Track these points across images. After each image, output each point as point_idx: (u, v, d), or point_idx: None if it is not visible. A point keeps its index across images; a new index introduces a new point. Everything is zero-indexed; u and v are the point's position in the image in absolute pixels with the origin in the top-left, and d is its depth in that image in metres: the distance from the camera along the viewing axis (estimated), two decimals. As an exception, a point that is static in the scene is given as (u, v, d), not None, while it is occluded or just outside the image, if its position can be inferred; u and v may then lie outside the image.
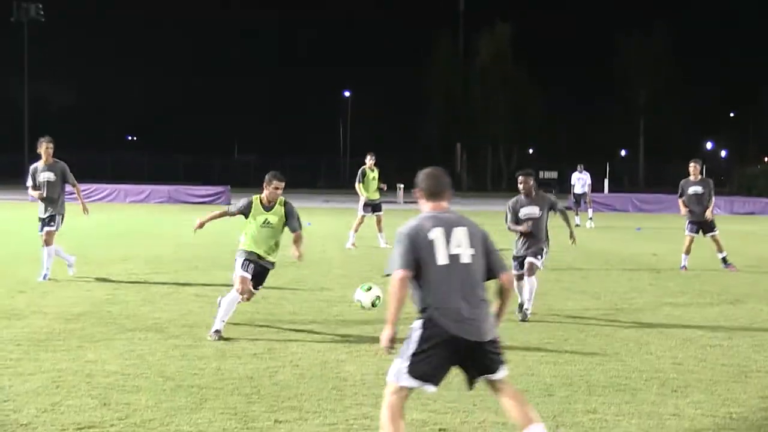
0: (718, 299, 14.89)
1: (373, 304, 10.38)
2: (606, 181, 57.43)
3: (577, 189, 35.34)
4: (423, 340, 6.09)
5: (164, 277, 16.55)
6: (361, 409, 7.89)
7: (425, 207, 6.49)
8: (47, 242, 15.79)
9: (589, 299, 14.75)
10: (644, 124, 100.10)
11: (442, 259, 6.16)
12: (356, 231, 23.14)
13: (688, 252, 19.20)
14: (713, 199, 19.44)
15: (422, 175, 6.56)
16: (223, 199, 48.46)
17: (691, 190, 19.34)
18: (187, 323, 11.80)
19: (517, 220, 12.96)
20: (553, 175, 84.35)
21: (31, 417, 7.39)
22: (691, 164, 19.40)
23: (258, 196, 11.57)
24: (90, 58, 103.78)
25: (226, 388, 8.51)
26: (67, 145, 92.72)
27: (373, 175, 23.41)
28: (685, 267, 18.96)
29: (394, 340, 6.23)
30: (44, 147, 16.02)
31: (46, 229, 15.83)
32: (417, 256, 6.15)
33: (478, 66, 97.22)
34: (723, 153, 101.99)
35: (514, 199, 13.12)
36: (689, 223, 19.28)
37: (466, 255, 6.22)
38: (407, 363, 6.12)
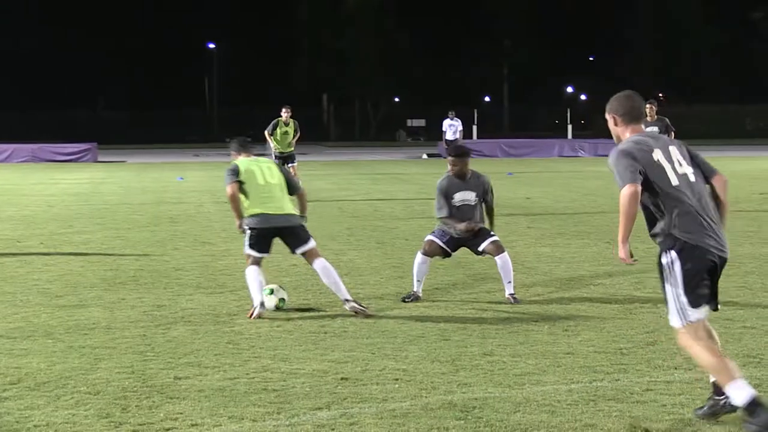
0: (594, 240, 15.28)
1: (278, 307, 9.88)
2: (474, 128, 58.10)
3: (449, 135, 35.77)
4: (686, 269, 5.81)
5: (39, 237, 16.13)
6: (260, 361, 7.84)
7: (625, 133, 6.12)
8: None
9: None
10: (507, 70, 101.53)
11: (674, 180, 5.88)
12: None
13: None
14: (672, 134, 19.78)
15: (619, 99, 6.16)
16: (89, 156, 47.33)
17: (648, 129, 19.71)
18: (69, 283, 11.54)
19: (450, 209, 10.64)
20: (421, 123, 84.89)
21: None
22: (647, 105, 19.79)
23: None
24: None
25: (120, 347, 8.36)
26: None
27: (287, 129, 23.31)
28: None
29: (632, 254, 5.98)
30: None
31: None
32: (645, 175, 5.85)
33: (346, 13, 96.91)
34: (583, 97, 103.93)
35: (445, 180, 10.81)
36: None
37: (690, 173, 5.96)
38: (686, 298, 5.86)
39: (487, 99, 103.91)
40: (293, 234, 10.09)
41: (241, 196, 10.05)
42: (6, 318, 9.57)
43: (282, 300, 9.99)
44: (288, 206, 10.16)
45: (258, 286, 9.78)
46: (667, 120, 20.04)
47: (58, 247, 14.91)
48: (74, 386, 7.13)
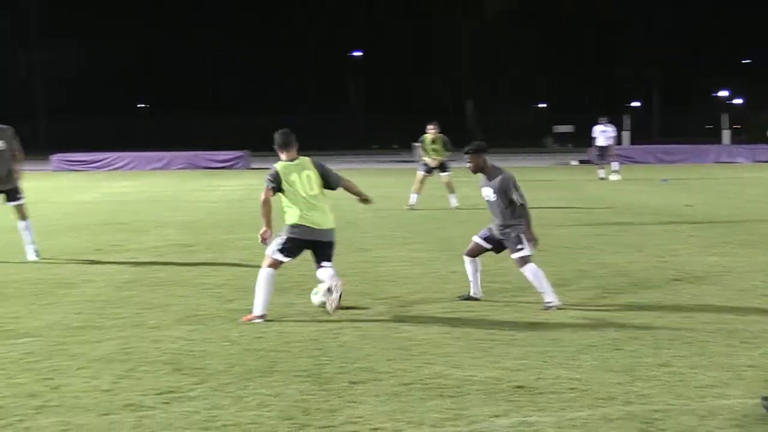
0: (763, 249, 14.85)
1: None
2: (625, 134, 57.14)
3: (600, 142, 35.22)
4: None
5: (203, 242, 16.58)
6: (432, 368, 7.89)
7: None
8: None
9: (633, 252, 14.73)
10: (658, 74, 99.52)
11: None
12: (417, 192, 23.14)
13: None
14: None
15: None
16: (242, 164, 48.40)
17: None
18: (238, 287, 11.81)
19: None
20: (569, 128, 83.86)
21: (110, 383, 7.43)
22: None
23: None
24: (91, 24, 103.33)
25: (293, 351, 8.52)
26: (76, 114, 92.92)
27: (434, 146, 23.43)
28: None
29: None
30: None
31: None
32: None
33: (486, 21, 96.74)
34: (738, 101, 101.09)
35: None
36: None
37: None
38: None
39: (636, 104, 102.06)
40: (324, 250, 10.25)
41: (283, 199, 10.20)
42: (183, 321, 9.86)
43: (322, 303, 10.15)
44: (328, 219, 10.24)
45: (268, 294, 9.94)
46: None
47: (223, 252, 15.28)
48: (255, 388, 7.31)
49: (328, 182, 10.33)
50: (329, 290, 9.89)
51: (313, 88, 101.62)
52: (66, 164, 49.32)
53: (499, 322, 9.67)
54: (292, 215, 10.15)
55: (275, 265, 10.11)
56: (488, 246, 10.86)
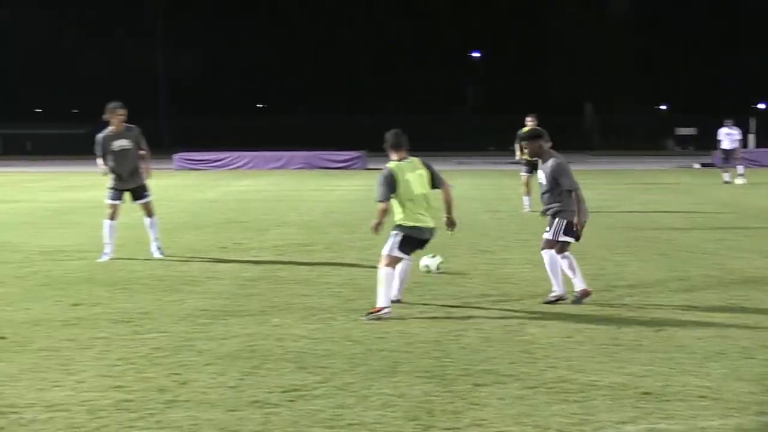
0: None
1: (438, 268, 12.48)
2: (751, 137, 55.75)
3: (726, 145, 34.44)
4: None
5: (323, 241, 16.73)
6: (556, 372, 7.82)
7: None
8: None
9: (759, 258, 14.37)
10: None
11: None
12: (526, 194, 22.54)
13: None
14: None
15: None
16: (359, 164, 48.71)
17: None
18: (358, 287, 11.88)
19: None
20: (692, 131, 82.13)
21: (236, 380, 7.55)
22: None
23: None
24: (223, 26, 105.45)
25: (416, 352, 8.53)
26: (200, 114, 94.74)
27: None
28: None
29: None
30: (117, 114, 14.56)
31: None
32: None
33: (605, 21, 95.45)
34: None
35: None
36: None
37: None
38: None
39: (762, 106, 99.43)
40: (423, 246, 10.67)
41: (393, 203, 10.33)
42: (306, 319, 9.96)
43: (441, 262, 12.30)
44: (433, 218, 10.44)
45: (390, 288, 10.19)
46: None
47: (343, 252, 15.39)
48: (378, 388, 7.34)
49: (435, 182, 10.54)
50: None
51: (432, 88, 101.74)
52: (188, 163, 50.35)
53: (624, 327, 9.52)
54: (406, 215, 10.29)
55: (393, 263, 10.25)
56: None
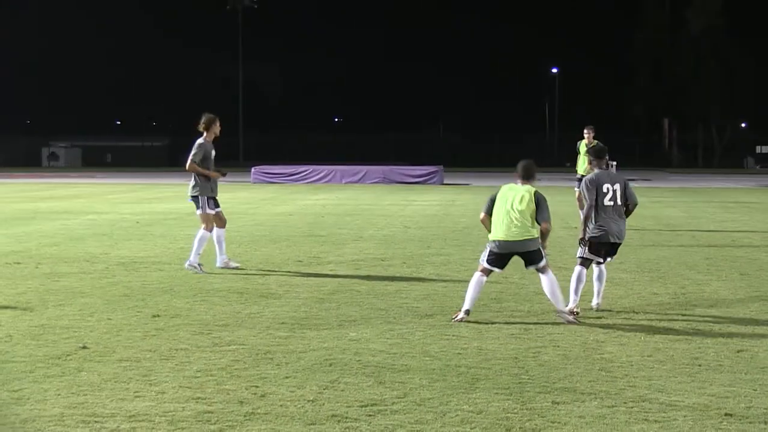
0: None
1: None
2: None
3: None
4: None
5: (400, 256, 16.74)
6: (636, 391, 7.73)
7: None
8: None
9: None
10: None
11: None
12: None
13: None
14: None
15: None
16: (436, 179, 48.70)
17: None
18: (435, 303, 11.87)
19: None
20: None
21: (315, 394, 7.58)
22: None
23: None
24: (298, 43, 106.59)
25: (494, 369, 8.49)
26: (279, 127, 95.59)
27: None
28: None
29: None
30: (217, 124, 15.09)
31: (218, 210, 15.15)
32: None
33: (688, 37, 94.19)
34: None
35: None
36: None
37: None
38: None
39: None
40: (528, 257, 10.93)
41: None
42: (383, 334, 9.97)
43: None
44: (528, 233, 10.82)
45: (475, 293, 10.82)
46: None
47: (420, 267, 15.39)
48: (457, 404, 7.32)
49: (538, 214, 10.86)
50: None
51: (511, 105, 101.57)
52: (264, 176, 50.84)
53: (704, 346, 9.39)
54: (495, 230, 10.86)
55: (485, 272, 10.92)
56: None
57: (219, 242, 14.98)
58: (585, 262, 11.48)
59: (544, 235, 10.95)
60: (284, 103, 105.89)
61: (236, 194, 38.11)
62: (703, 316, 11.03)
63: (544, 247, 10.98)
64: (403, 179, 49.04)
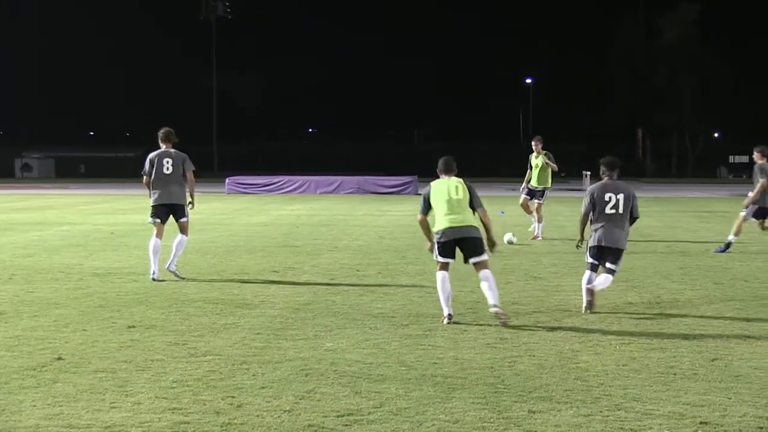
0: None
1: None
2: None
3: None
4: None
5: (375, 266, 16.75)
6: (611, 400, 7.77)
7: None
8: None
9: (817, 288, 14.19)
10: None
11: None
12: (537, 221, 22.33)
13: None
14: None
15: None
16: (410, 189, 48.78)
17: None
18: (411, 313, 11.88)
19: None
20: (745, 159, 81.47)
21: (291, 404, 7.57)
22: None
23: None
24: (272, 53, 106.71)
25: (470, 378, 8.51)
26: (254, 137, 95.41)
27: (537, 161, 22.45)
28: None
29: None
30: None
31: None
32: None
33: (663, 47, 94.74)
34: None
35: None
36: None
37: None
38: None
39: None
40: (469, 245, 11.32)
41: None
42: (359, 344, 9.97)
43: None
44: (469, 219, 11.35)
45: (444, 293, 11.26)
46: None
47: (395, 277, 15.41)
48: (433, 413, 7.34)
49: (472, 201, 11.40)
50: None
51: (487, 115, 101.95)
52: (239, 187, 50.74)
53: (678, 355, 9.45)
54: (439, 221, 11.34)
55: (443, 267, 11.38)
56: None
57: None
58: (593, 267, 12.18)
59: (488, 227, 11.46)
60: (260, 113, 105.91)
61: (211, 204, 38.03)
62: (678, 325, 11.10)
63: (492, 244, 11.52)
64: (377, 189, 49.11)
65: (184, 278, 14.75)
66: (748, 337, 10.40)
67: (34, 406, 7.49)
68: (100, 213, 32.69)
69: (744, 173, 79.28)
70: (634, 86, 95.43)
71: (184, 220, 15.19)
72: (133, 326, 10.85)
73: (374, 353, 9.51)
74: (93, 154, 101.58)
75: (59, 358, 9.18)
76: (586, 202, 12.19)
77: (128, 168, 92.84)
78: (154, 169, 15.05)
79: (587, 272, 12.18)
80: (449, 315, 11.12)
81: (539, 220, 22.17)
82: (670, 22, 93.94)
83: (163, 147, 15.26)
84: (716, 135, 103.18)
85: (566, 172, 76.22)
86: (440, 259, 11.35)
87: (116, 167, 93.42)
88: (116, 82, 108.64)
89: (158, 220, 15.11)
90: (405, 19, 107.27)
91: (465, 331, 10.72)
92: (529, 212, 22.52)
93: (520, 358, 9.33)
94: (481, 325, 11.08)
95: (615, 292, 13.73)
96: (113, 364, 8.96)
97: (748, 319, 11.47)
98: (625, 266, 16.70)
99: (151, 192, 15.12)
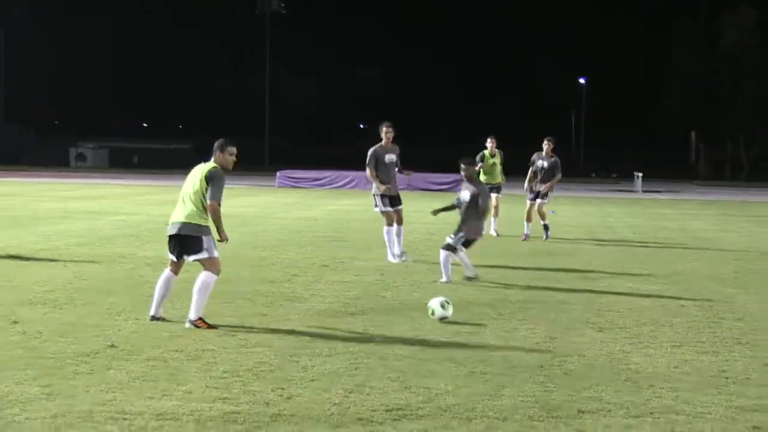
0: None
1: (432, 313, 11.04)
2: None
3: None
4: None
5: (424, 263, 16.72)
6: (662, 401, 7.73)
7: None
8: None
9: None
10: None
11: None
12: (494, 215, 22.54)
13: None
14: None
15: None
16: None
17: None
18: (462, 309, 11.82)
19: None
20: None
21: (341, 397, 7.60)
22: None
23: None
24: (328, 51, 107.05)
25: (519, 376, 8.49)
26: (305, 134, 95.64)
27: (493, 160, 22.73)
28: None
29: None
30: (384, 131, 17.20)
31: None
32: None
33: (722, 52, 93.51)
34: None
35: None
36: None
37: None
38: None
39: None
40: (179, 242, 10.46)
41: None
42: (408, 340, 9.98)
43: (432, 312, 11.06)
44: (184, 215, 10.38)
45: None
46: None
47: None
48: (482, 410, 7.33)
49: (204, 194, 10.36)
50: None
51: (531, 112, 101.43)
52: (289, 181, 50.89)
53: (731, 359, 9.36)
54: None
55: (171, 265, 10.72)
56: None
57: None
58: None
59: (216, 217, 10.35)
60: (315, 111, 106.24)
61: (260, 198, 38.23)
62: (731, 329, 10.99)
63: (220, 233, 10.43)
64: (427, 186, 49.02)
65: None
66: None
67: (88, 391, 7.59)
68: (153, 204, 32.97)
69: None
70: (691, 89, 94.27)
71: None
72: (185, 316, 10.92)
73: (423, 349, 9.52)
74: (146, 145, 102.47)
75: (112, 346, 9.29)
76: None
77: (181, 159, 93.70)
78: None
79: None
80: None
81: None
82: (728, 27, 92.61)
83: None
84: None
85: (618, 173, 75.86)
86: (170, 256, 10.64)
87: (168, 158, 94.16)
88: (171, 74, 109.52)
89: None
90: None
91: (515, 329, 10.70)
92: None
93: (570, 358, 9.29)
94: (530, 325, 11.03)
95: (667, 295, 13.62)
96: (164, 353, 9.05)
97: (802, 325, 11.33)
98: (677, 269, 16.62)
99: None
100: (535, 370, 8.74)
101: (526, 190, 22.35)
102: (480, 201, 14.57)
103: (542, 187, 21.87)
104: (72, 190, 42.63)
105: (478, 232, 14.75)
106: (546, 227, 21.68)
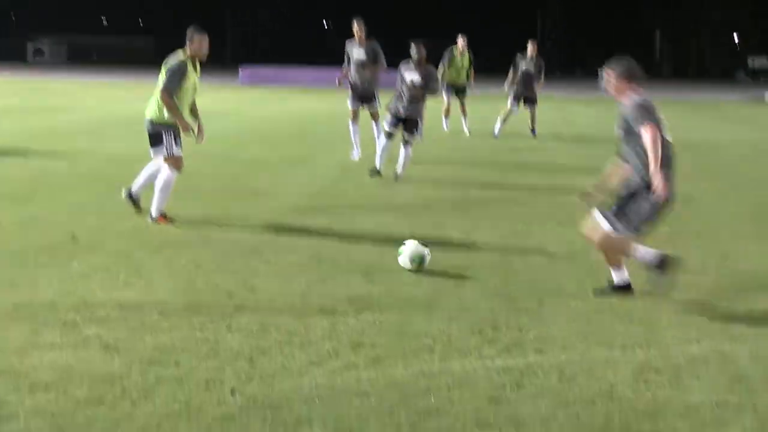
0: None
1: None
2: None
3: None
4: None
5: (394, 161, 16.70)
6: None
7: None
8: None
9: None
10: None
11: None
12: (446, 116, 22.65)
13: None
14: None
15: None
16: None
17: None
18: (424, 204, 11.86)
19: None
20: (765, 61, 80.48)
21: (303, 289, 7.63)
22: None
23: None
24: None
25: (483, 270, 8.56)
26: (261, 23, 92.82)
27: (463, 60, 22.40)
28: None
29: None
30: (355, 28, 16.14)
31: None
32: None
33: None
34: None
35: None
36: None
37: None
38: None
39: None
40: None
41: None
42: (373, 232, 10.02)
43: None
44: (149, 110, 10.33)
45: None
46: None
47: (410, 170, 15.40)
48: (444, 302, 7.41)
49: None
50: None
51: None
52: (253, 79, 50.46)
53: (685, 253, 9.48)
54: None
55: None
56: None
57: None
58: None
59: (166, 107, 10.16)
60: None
61: (224, 95, 37.93)
62: (688, 224, 11.09)
63: (180, 125, 10.16)
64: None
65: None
66: None
67: (50, 283, 7.58)
68: (114, 101, 32.62)
69: (762, 76, 78.30)
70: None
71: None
72: (146, 210, 10.86)
73: (387, 243, 9.55)
74: (105, 41, 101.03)
75: (74, 239, 9.26)
76: None
77: (140, 55, 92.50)
78: None
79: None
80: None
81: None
82: None
83: None
84: (735, 37, 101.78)
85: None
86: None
87: (129, 55, 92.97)
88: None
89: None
90: None
91: (476, 227, 10.76)
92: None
93: (532, 252, 9.38)
94: (494, 220, 11.11)
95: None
96: (127, 247, 9.04)
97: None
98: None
99: None
100: (496, 264, 8.82)
101: (508, 91, 22.27)
102: (430, 85, 14.02)
103: (532, 93, 21.99)
104: (30, 85, 42.04)
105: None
106: (534, 130, 21.98)
